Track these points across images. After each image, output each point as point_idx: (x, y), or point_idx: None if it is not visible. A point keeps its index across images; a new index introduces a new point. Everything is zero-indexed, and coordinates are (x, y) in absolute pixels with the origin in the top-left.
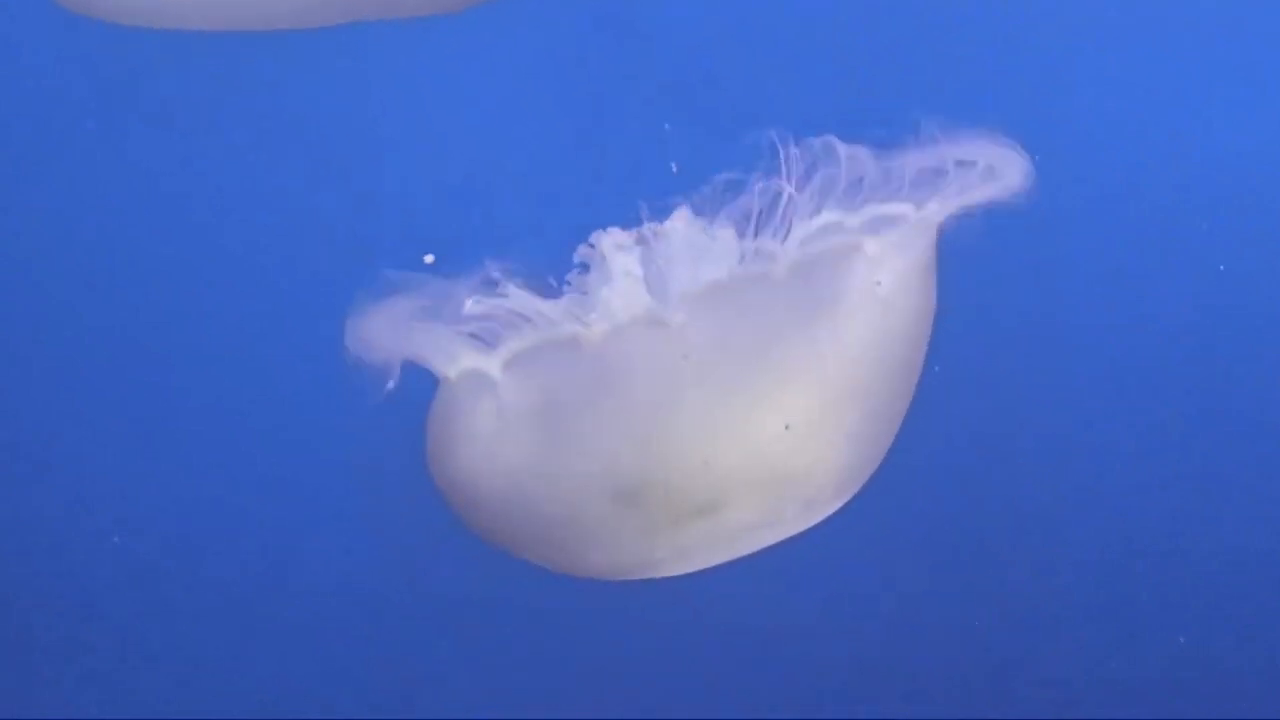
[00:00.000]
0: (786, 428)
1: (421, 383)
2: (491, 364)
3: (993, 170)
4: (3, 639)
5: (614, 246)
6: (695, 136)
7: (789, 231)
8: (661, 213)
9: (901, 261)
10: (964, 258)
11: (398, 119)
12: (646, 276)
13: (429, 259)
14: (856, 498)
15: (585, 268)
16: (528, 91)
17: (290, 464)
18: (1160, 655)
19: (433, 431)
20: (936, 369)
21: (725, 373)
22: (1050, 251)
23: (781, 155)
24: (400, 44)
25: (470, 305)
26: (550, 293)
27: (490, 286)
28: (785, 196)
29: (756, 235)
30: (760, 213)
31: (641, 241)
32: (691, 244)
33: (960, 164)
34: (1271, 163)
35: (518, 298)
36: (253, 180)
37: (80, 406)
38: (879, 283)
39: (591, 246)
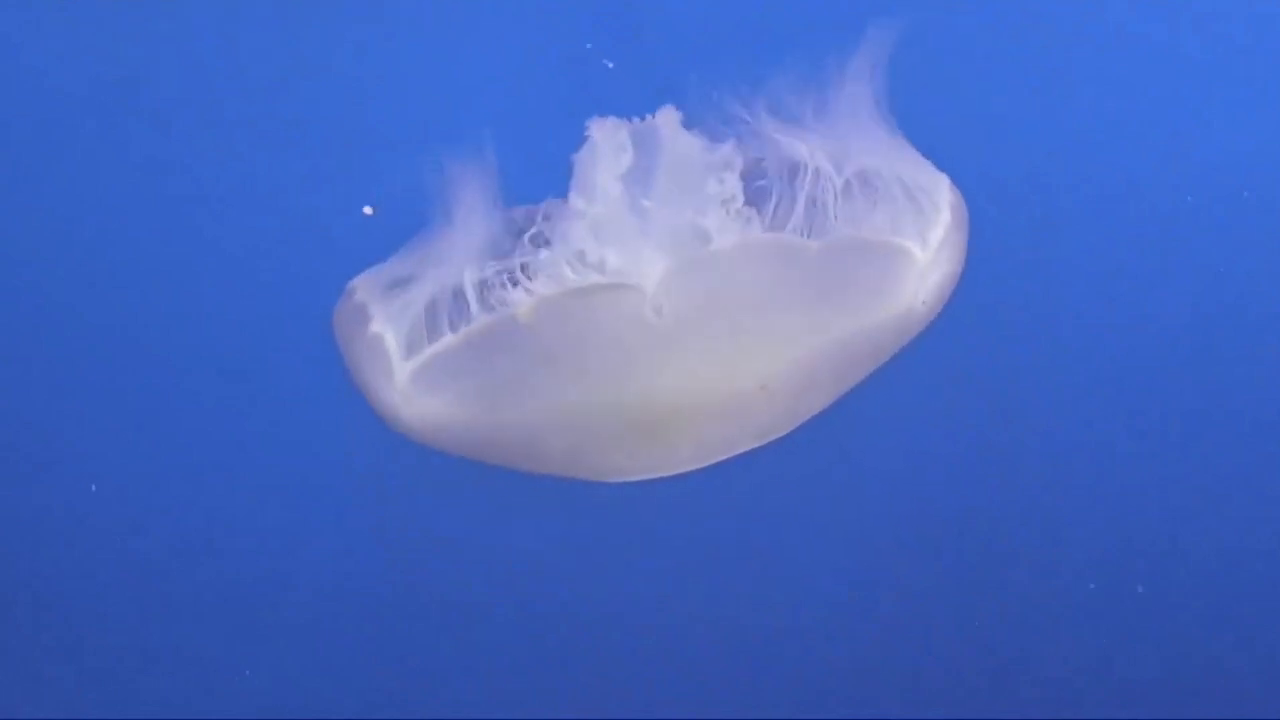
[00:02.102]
0: (763, 387)
1: None
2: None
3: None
4: (3, 639)
5: (608, 142)
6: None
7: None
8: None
9: (946, 273)
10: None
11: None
12: (633, 190)
13: (368, 210)
14: (857, 497)
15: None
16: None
17: (291, 465)
18: (1160, 655)
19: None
20: (937, 369)
21: (710, 333)
22: (1050, 251)
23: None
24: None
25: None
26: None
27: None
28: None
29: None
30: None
31: (635, 136)
32: (683, 155)
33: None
34: (1271, 163)
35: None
36: (255, 181)
37: (81, 406)
38: (924, 302)
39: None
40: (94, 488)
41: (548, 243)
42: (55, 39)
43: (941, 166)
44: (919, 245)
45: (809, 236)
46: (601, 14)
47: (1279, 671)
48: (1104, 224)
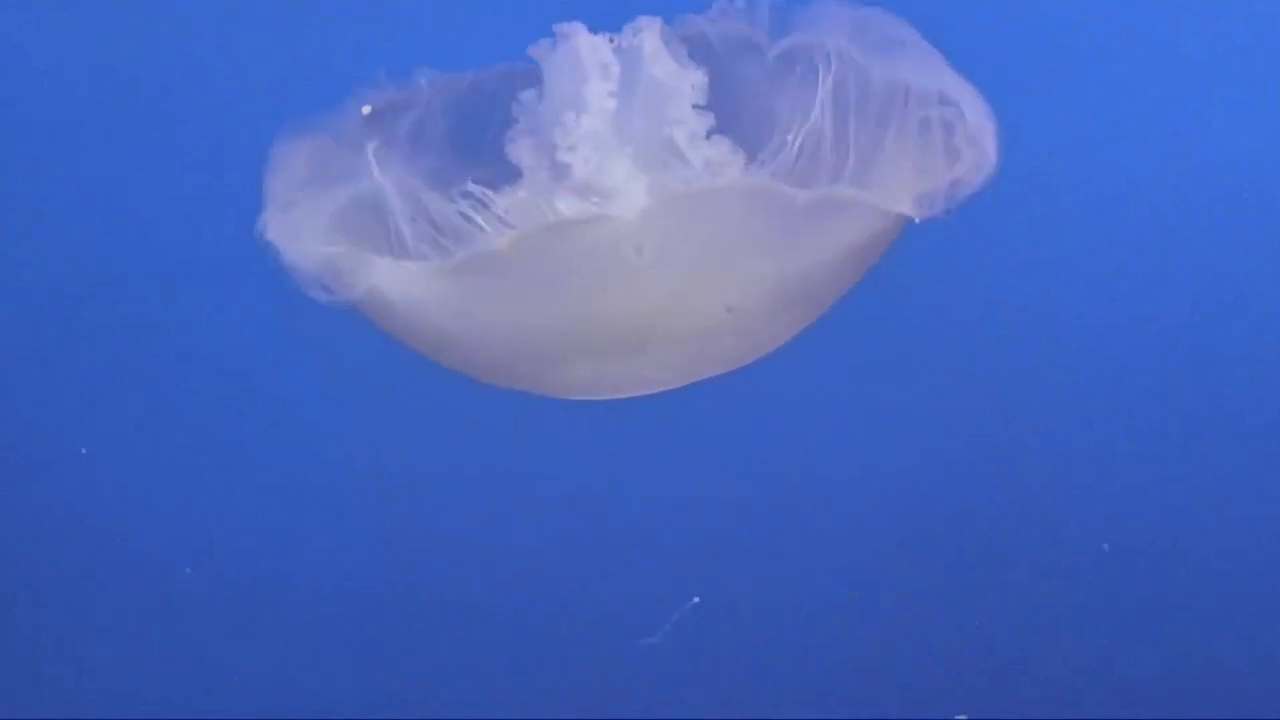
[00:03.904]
0: (729, 310)
1: (420, 388)
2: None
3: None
4: (3, 639)
5: (593, 58)
6: None
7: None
8: None
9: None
10: (965, 257)
11: None
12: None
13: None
14: (857, 497)
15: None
16: None
17: (291, 465)
18: (1160, 655)
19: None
20: (937, 369)
21: (687, 265)
22: (1050, 251)
23: None
24: None
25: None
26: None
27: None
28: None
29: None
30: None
31: (618, 49)
32: (660, 77)
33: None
34: (1271, 163)
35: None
36: (255, 180)
37: (81, 405)
38: (889, 242)
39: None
40: (84, 450)
41: (519, 120)
42: (55, 39)
43: None
44: (924, 203)
45: (818, 160)
46: (603, 14)
47: (1279, 671)
48: (1104, 224)
